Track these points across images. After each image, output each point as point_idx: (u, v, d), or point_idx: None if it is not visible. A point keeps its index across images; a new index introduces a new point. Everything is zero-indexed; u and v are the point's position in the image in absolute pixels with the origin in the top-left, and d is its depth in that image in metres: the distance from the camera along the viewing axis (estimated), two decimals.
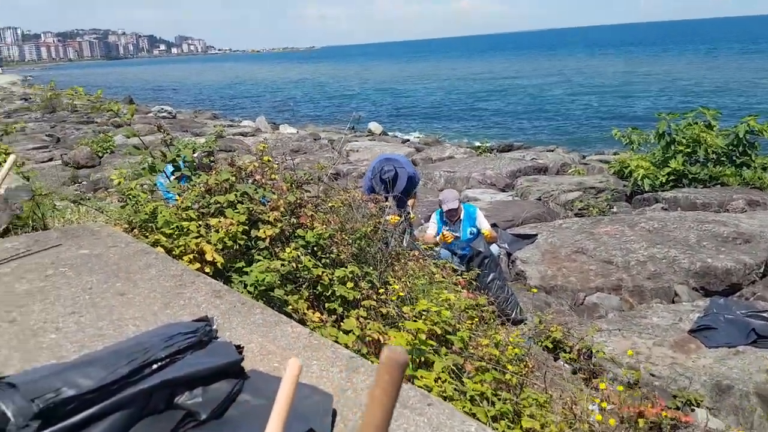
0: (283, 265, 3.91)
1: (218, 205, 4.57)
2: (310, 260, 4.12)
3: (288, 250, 4.07)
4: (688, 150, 10.68)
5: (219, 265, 4.12)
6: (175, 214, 4.45)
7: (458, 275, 5.75)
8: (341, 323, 4.14)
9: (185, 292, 3.05)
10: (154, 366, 1.80)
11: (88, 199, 7.49)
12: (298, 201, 4.74)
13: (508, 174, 12.38)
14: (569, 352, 5.35)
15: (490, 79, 53.39)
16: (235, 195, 4.55)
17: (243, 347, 2.21)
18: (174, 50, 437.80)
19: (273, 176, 4.83)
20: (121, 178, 4.88)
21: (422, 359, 3.99)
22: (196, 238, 4.22)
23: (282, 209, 4.49)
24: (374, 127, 25.73)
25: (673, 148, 10.78)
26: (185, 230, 4.31)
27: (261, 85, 66.29)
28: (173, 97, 52.04)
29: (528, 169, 12.72)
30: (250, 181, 4.79)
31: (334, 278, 4.28)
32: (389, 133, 24.72)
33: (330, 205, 4.96)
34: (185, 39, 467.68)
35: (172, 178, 7.32)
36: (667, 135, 10.88)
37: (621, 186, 10.90)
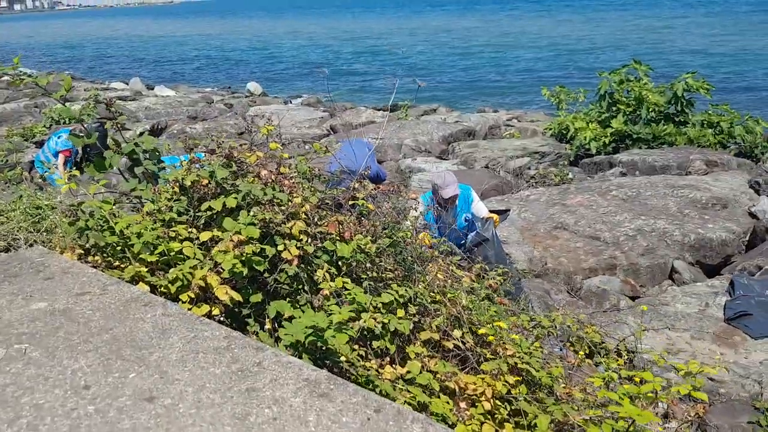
0: (352, 312, 2.85)
1: (210, 212, 3.39)
2: (363, 295, 3.08)
3: (338, 281, 3.00)
4: (630, 109, 10.33)
5: (231, 303, 3.01)
6: (152, 228, 3.22)
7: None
8: (396, 367, 3.17)
9: (257, 384, 1.93)
10: None
11: None
12: (322, 203, 3.66)
13: (440, 139, 11.58)
14: (605, 356, 4.65)
15: (364, 37, 51.99)
16: (236, 198, 3.38)
17: None
18: (17, 6, 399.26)
19: (283, 169, 3.67)
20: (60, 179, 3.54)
21: (511, 411, 3.10)
22: (194, 267, 3.05)
23: (305, 216, 3.39)
24: (253, 87, 23.99)
25: (614, 108, 10.39)
26: (173, 255, 3.12)
27: (121, 43, 61.24)
28: (24, 58, 46.90)
29: (458, 133, 11.98)
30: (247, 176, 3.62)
31: (379, 305, 3.28)
32: (269, 95, 23.19)
33: (355, 203, 3.87)
34: None
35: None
36: (608, 94, 10.46)
37: (563, 149, 10.40)
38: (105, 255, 3.27)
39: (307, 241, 3.27)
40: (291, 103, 20.18)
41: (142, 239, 3.16)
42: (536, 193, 7.97)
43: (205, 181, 3.61)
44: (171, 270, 3.03)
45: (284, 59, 38.93)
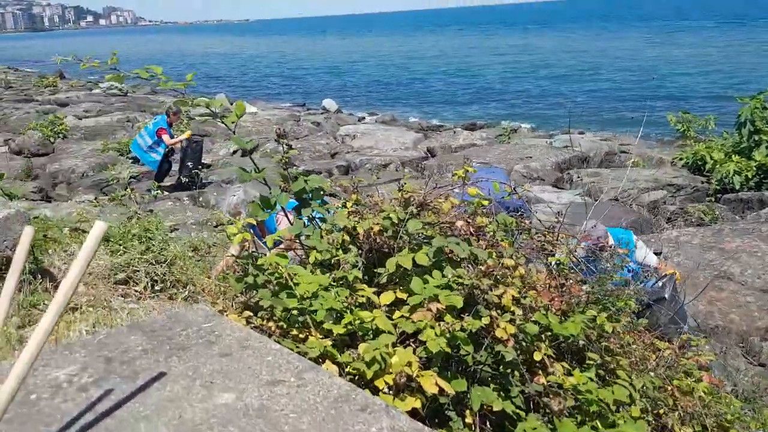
0: None
1: (396, 272, 2.76)
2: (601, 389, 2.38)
3: (558, 367, 2.30)
4: None
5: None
6: (332, 287, 2.61)
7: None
8: None
9: None
10: None
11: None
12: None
13: (553, 165, 10.76)
14: None
15: (438, 56, 51.36)
16: (427, 254, 2.73)
17: None
18: (102, 21, 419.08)
19: (480, 220, 3.01)
20: (245, 232, 2.97)
21: None
22: (395, 345, 2.41)
23: (520, 283, 2.71)
24: (329, 104, 23.70)
25: (756, 137, 9.36)
26: (365, 325, 2.48)
27: (202, 58, 62.61)
28: (108, 72, 48.25)
29: (572, 159, 11.14)
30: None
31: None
32: (344, 112, 22.87)
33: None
34: (114, 10, 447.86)
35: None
36: (749, 122, 9.44)
37: (699, 182, 9.42)
38: (275, 318, 2.66)
39: (520, 315, 2.58)
40: (366, 119, 19.79)
41: (326, 304, 2.54)
42: (686, 234, 7.07)
43: (377, 228, 3.00)
44: (363, 347, 2.38)
45: (355, 77, 38.74)
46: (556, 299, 2.75)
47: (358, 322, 2.45)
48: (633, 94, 25.61)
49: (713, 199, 8.62)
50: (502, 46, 57.77)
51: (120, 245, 5.26)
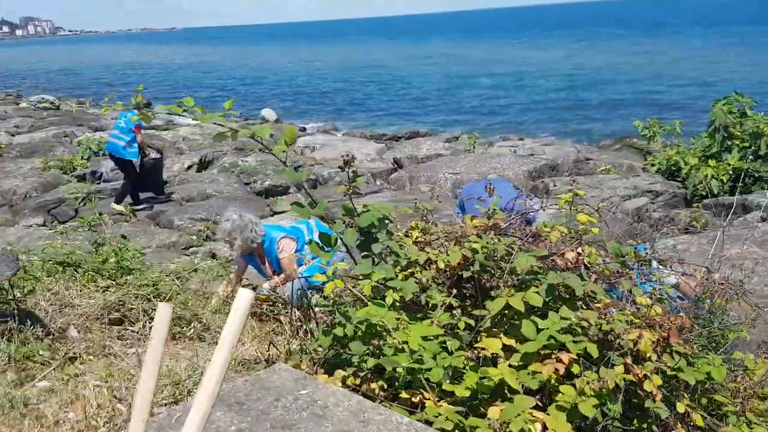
0: None
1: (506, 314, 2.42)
2: None
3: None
4: (746, 144, 9.41)
5: None
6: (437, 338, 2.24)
7: None
8: None
9: None
10: None
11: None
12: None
13: (525, 174, 10.64)
14: None
15: (382, 65, 51.29)
16: (537, 291, 2.40)
17: None
18: (19, 32, 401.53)
19: (589, 252, 2.69)
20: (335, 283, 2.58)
21: None
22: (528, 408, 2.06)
23: (659, 327, 2.40)
24: (268, 114, 23.12)
25: (728, 142, 9.47)
26: (487, 383, 2.13)
27: (122, 69, 60.43)
28: (30, 87, 45.93)
29: (543, 167, 11.05)
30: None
31: None
32: (283, 121, 22.38)
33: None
34: (31, 20, 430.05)
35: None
36: (722, 128, 9.55)
37: (676, 188, 9.45)
38: (364, 374, 2.28)
39: (658, 361, 2.28)
40: (306, 129, 19.29)
41: (442, 361, 2.17)
42: (683, 242, 7.01)
43: (456, 261, 2.66)
44: (498, 412, 2.03)
45: (292, 87, 38.11)
46: (672, 336, 2.48)
47: (487, 380, 2.10)
48: (557, 102, 26.06)
49: (699, 205, 8.66)
50: (434, 54, 58.16)
51: (111, 280, 4.73)
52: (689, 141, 10.61)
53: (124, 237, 7.21)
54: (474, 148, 13.23)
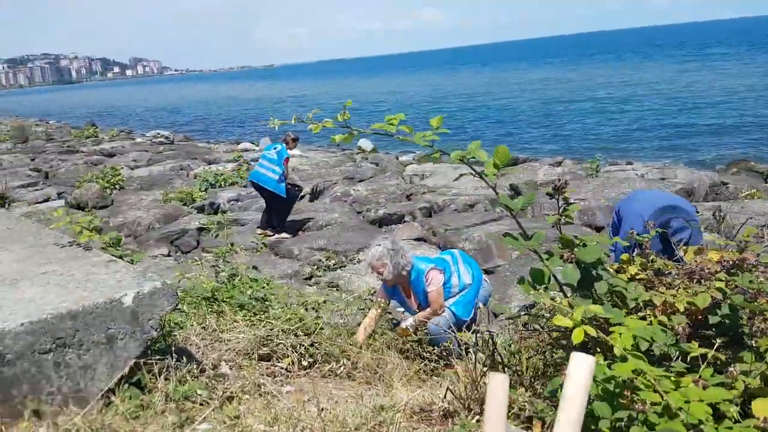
0: None
1: None
2: None
3: None
4: None
5: None
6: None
7: None
8: None
9: None
10: None
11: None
12: None
13: None
14: None
15: (467, 93, 50.89)
16: None
17: None
18: (128, 72, 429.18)
19: None
20: None
21: None
22: None
23: None
24: (365, 144, 23.11)
25: None
26: None
27: (234, 104, 62.95)
28: (142, 121, 48.52)
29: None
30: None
31: None
32: (379, 152, 22.25)
33: None
34: (140, 60, 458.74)
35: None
36: None
37: None
38: None
39: None
40: (399, 159, 18.95)
41: (722, 430, 1.76)
42: None
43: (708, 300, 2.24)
44: None
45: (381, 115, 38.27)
46: None
47: None
48: (653, 124, 24.83)
49: None
50: (527, 80, 57.27)
51: (257, 315, 4.56)
52: None
53: (255, 268, 7.14)
54: (597, 173, 12.61)
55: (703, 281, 2.33)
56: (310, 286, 8.15)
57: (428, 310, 4.84)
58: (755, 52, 64.99)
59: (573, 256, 2.28)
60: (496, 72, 79.12)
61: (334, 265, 8.75)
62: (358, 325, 4.91)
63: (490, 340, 2.85)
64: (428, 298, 4.81)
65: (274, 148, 10.32)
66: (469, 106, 39.32)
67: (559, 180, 2.44)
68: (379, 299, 5.06)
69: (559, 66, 77.33)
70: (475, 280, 4.94)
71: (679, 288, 2.32)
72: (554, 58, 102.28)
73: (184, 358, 3.77)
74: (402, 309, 5.43)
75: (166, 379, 3.54)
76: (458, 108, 38.62)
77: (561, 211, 2.44)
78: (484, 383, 3.14)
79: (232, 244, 6.91)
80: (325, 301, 5.92)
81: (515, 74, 69.09)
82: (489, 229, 9.23)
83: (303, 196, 13.32)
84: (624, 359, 1.84)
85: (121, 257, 4.23)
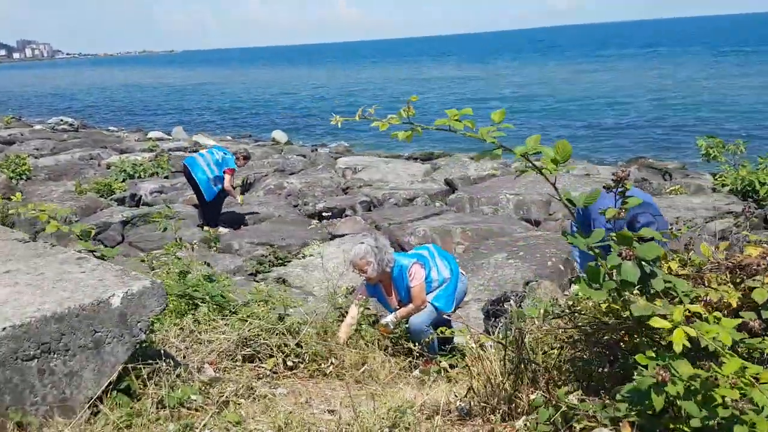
0: None
1: None
2: None
3: None
4: None
5: None
6: None
7: None
8: None
9: None
10: None
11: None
12: None
13: None
14: None
15: (373, 85, 50.97)
16: None
17: None
18: (16, 55, 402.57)
19: None
20: None
21: None
22: None
23: None
24: (278, 136, 22.87)
25: None
26: None
27: (127, 92, 60.09)
28: (29, 107, 45.51)
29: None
30: None
31: None
32: (293, 142, 22.10)
33: None
34: (28, 43, 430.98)
35: None
36: None
37: (754, 208, 9.13)
38: None
39: None
40: (318, 151, 18.76)
41: None
42: None
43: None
44: None
45: (296, 108, 37.84)
46: None
47: None
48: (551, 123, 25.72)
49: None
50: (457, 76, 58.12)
51: (237, 314, 4.33)
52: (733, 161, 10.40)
53: (208, 264, 6.83)
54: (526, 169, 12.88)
55: (746, 277, 2.37)
56: (257, 282, 7.89)
57: (410, 306, 4.77)
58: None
59: (632, 253, 2.25)
60: (404, 65, 79.70)
61: (278, 260, 8.52)
62: (341, 322, 4.76)
63: (519, 337, 2.80)
64: (411, 293, 4.74)
65: (224, 153, 9.91)
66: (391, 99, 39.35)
67: (622, 171, 2.40)
68: (358, 296, 4.95)
69: (471, 64, 78.91)
70: (453, 273, 4.91)
71: (728, 283, 2.36)
72: (488, 55, 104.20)
73: (171, 361, 3.53)
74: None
75: (156, 384, 3.30)
76: (372, 101, 38.44)
77: (620, 204, 2.42)
78: (503, 382, 3.09)
79: (180, 239, 6.57)
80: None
81: (424, 70, 69.91)
82: (431, 224, 9.26)
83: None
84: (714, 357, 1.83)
85: (93, 253, 3.90)
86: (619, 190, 2.39)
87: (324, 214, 10.32)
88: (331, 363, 4.08)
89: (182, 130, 24.64)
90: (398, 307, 4.86)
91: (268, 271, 8.19)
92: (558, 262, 7.51)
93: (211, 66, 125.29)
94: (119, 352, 3.21)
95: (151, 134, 23.83)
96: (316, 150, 19.00)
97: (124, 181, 13.50)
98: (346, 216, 10.18)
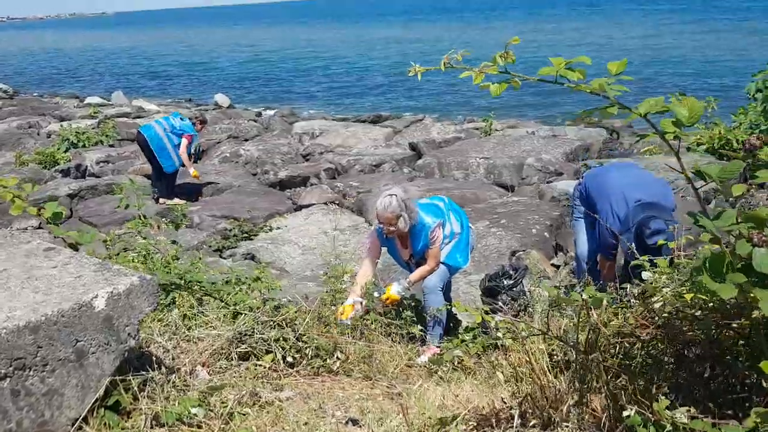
0: None
1: None
2: None
3: None
4: None
5: None
6: None
7: None
8: None
9: None
10: None
11: None
12: None
13: (563, 156, 10.05)
14: None
15: (309, 49, 49.51)
16: None
17: None
18: None
19: None
20: None
21: None
22: None
23: None
24: (221, 99, 22.00)
25: None
26: None
27: (59, 55, 57.08)
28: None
29: (578, 149, 10.48)
30: None
31: None
32: (236, 106, 21.39)
33: None
34: None
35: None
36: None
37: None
38: None
39: None
40: (262, 115, 18.06)
41: None
42: None
43: None
44: None
45: (235, 70, 36.53)
46: None
47: None
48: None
49: None
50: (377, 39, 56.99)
51: (223, 303, 3.83)
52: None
53: (174, 242, 6.25)
54: (490, 131, 12.57)
55: None
56: (224, 258, 7.35)
57: (424, 267, 4.46)
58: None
59: (766, 238, 1.87)
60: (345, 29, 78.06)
61: (244, 234, 7.98)
62: (341, 303, 4.30)
63: (594, 336, 2.41)
64: (428, 253, 4.42)
65: (181, 118, 9.28)
66: (324, 63, 38.31)
67: (758, 138, 2.00)
68: (368, 246, 4.58)
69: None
70: (463, 228, 4.67)
71: None
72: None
73: (162, 367, 3.04)
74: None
75: (149, 397, 2.81)
76: (310, 65, 37.54)
77: (750, 176, 2.02)
78: (550, 381, 2.70)
79: (144, 216, 5.97)
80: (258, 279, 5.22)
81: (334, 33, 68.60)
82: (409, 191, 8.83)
83: None
84: None
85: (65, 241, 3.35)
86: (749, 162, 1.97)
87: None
88: (337, 358, 3.65)
89: (122, 95, 23.39)
90: (409, 261, 4.58)
91: (235, 247, 7.66)
92: (543, 229, 7.23)
93: (145, 28, 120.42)
94: (105, 363, 2.71)
95: (89, 100, 22.46)
96: (260, 114, 18.26)
97: (67, 150, 12.59)
98: (312, 185, 9.65)
